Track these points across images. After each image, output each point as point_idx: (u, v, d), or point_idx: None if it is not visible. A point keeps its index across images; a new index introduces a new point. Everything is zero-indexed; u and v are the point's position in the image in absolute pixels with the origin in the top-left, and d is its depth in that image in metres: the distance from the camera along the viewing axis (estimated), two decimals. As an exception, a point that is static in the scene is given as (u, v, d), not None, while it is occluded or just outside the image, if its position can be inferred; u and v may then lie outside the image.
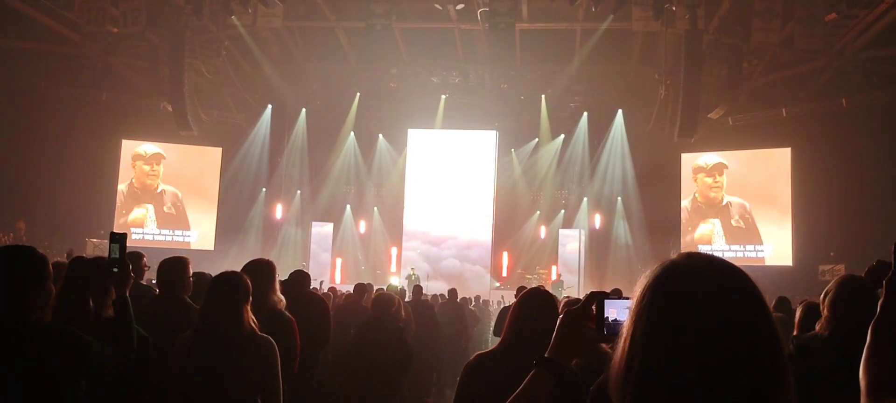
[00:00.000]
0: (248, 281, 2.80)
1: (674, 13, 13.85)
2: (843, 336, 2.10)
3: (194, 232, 19.41)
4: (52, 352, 1.99)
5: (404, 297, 9.05)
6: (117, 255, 2.35)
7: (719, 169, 17.89)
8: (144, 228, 19.06)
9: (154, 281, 3.88)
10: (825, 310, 2.21)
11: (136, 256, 4.13)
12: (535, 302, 2.28)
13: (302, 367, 3.68)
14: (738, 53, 15.10)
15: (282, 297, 3.55)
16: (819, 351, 2.05)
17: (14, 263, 2.02)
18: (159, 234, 19.15)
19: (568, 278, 17.12)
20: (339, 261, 18.90)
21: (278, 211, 19.54)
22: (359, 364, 5.20)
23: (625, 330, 0.96)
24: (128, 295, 2.35)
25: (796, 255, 16.54)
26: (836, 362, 2.00)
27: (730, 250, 17.51)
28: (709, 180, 17.93)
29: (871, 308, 2.11)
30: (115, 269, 2.34)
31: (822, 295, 2.27)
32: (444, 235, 19.74)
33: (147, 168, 19.27)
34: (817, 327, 2.22)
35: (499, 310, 9.37)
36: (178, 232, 19.32)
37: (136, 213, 19.18)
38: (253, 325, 2.74)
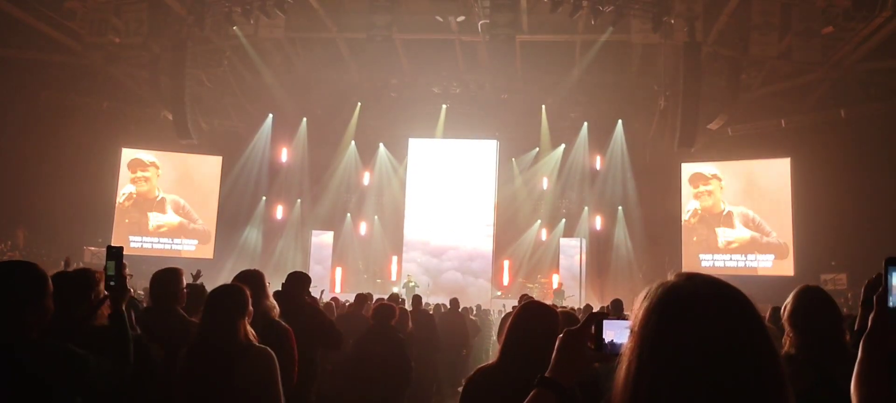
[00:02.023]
0: (248, 293, 2.79)
1: (672, 26, 13.92)
2: (811, 353, 2.08)
3: (193, 240, 19.40)
4: (51, 370, 1.96)
5: (402, 304, 8.97)
6: (113, 271, 2.34)
7: (716, 178, 17.94)
8: (144, 237, 19.06)
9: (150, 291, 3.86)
10: (787, 326, 2.18)
11: None
12: (530, 317, 2.27)
13: (300, 378, 3.65)
14: (737, 65, 15.16)
15: (275, 304, 3.52)
16: (795, 373, 2.03)
17: (12, 279, 1.98)
18: (158, 243, 19.14)
19: (570, 287, 17.07)
20: (339, 270, 18.84)
21: (279, 211, 19.51)
22: (358, 376, 5.16)
23: (628, 352, 0.97)
24: (124, 309, 2.35)
25: (798, 265, 16.53)
26: (815, 381, 1.99)
27: (731, 260, 17.49)
28: (708, 188, 17.97)
29: (828, 318, 2.11)
30: (112, 283, 2.34)
31: (781, 310, 2.25)
32: (446, 245, 19.65)
33: (146, 174, 19.31)
34: (785, 345, 2.20)
35: (500, 319, 9.32)
36: (177, 241, 19.31)
37: (139, 220, 19.20)
38: (251, 337, 2.72)
